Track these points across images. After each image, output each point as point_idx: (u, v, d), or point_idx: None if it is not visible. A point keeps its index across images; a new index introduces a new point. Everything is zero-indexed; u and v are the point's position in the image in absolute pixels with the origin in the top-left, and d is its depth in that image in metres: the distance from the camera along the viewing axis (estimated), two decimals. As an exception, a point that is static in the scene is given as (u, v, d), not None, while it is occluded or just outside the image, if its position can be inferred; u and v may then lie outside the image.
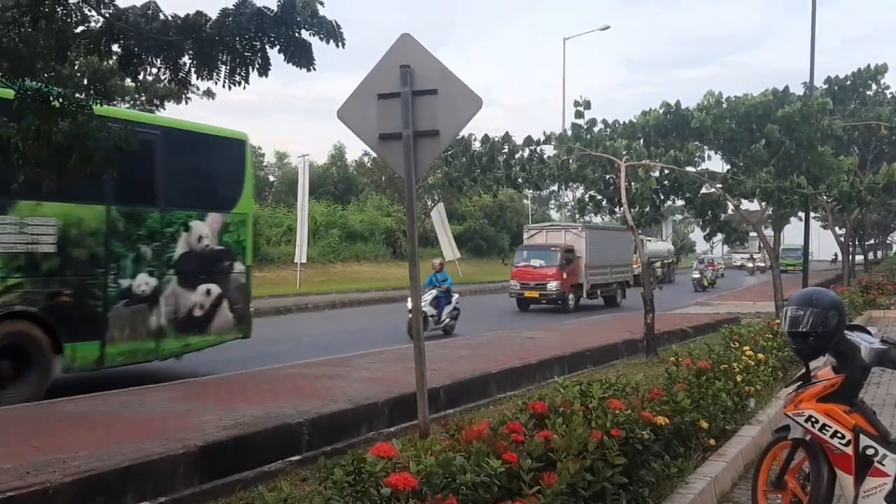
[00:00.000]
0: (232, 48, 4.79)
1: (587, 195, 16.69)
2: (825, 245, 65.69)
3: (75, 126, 4.80)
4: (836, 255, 77.16)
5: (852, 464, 4.21)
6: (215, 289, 11.62)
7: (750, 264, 55.56)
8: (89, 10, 4.84)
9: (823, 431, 4.26)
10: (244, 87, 5.05)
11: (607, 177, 15.55)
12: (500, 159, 14.39)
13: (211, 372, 11.12)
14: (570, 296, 25.71)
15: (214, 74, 4.89)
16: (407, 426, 7.84)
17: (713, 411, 6.42)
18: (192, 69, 4.95)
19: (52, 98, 4.79)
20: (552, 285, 24.96)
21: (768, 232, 22.53)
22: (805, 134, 14.91)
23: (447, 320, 17.87)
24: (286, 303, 24.72)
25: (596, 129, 15.14)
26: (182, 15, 4.76)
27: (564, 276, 25.19)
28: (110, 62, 6.14)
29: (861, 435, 4.21)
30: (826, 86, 21.57)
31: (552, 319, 21.68)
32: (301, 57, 4.87)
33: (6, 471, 5.58)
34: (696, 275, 37.24)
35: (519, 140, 14.64)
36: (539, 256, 25.90)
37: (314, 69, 4.96)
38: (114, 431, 6.92)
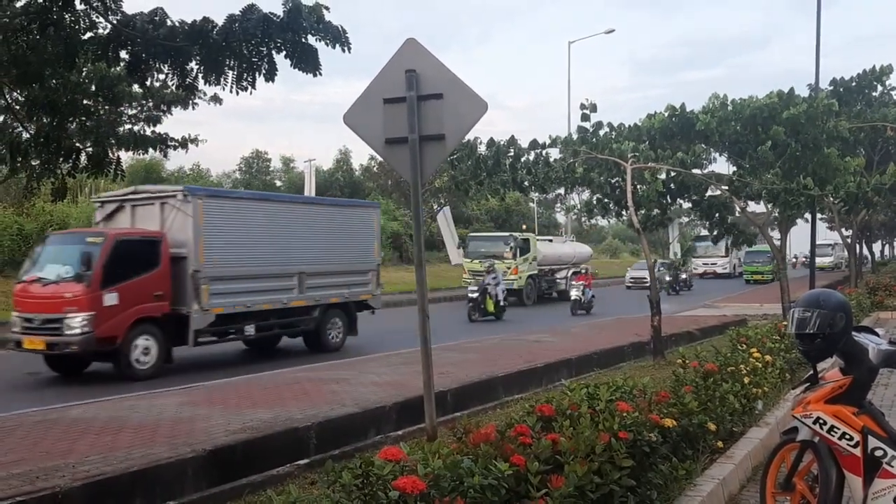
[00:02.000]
0: (239, 54, 4.81)
1: (594, 198, 16.68)
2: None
3: (83, 130, 4.83)
4: (795, 257, 72.86)
5: (861, 465, 4.20)
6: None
7: (668, 277, 36.25)
8: (97, 17, 4.87)
9: (832, 433, 4.25)
10: (251, 93, 5.08)
11: (613, 180, 15.54)
12: (506, 162, 14.41)
13: (219, 376, 11.14)
14: (144, 342, 12.29)
15: (222, 80, 4.92)
16: (414, 429, 7.84)
17: (721, 413, 6.41)
18: (200, 75, 4.97)
19: (60, 104, 4.83)
20: (75, 323, 11.70)
21: (775, 234, 22.51)
22: (811, 135, 14.88)
23: None
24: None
25: (601, 132, 15.13)
26: (189, 21, 4.78)
27: (113, 301, 12.01)
28: (118, 68, 6.18)
29: (869, 436, 4.20)
30: (831, 87, 21.49)
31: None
32: (307, 62, 4.89)
33: (16, 475, 5.61)
34: (575, 293, 25.52)
35: (524, 143, 14.67)
36: (59, 258, 12.67)
37: (320, 74, 4.99)
38: (123, 436, 6.95)
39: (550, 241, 35.83)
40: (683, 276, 38.35)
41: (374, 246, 17.29)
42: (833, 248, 61.24)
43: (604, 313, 23.93)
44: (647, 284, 34.94)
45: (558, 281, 33.14)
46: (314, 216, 15.99)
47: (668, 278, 35.34)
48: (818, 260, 59.79)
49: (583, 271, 27.87)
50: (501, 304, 23.02)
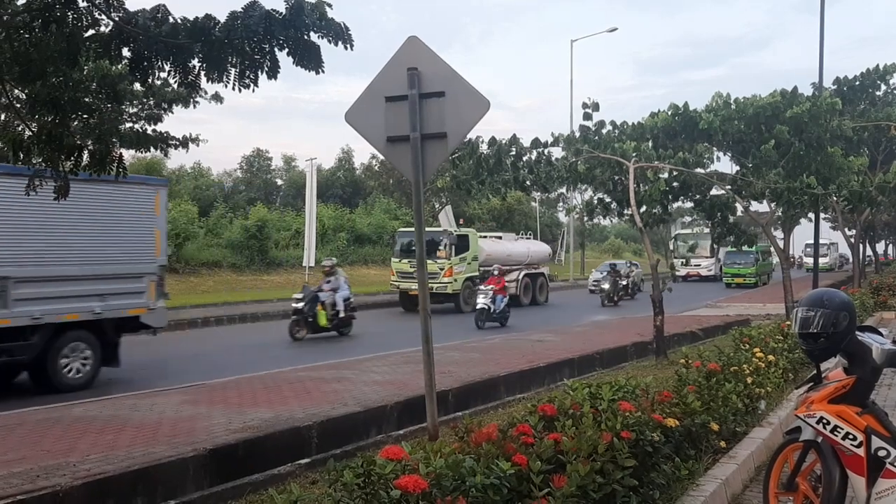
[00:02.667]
0: (241, 51, 4.80)
1: (596, 197, 16.65)
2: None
3: (86, 128, 4.83)
4: (798, 257, 65.80)
5: (864, 465, 4.18)
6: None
7: (606, 285, 29.46)
8: (99, 14, 4.86)
9: (835, 433, 4.24)
10: (253, 90, 5.07)
11: (616, 178, 15.50)
12: (508, 161, 14.37)
13: (220, 375, 11.13)
14: None
15: (224, 77, 4.91)
16: (416, 429, 7.84)
17: (724, 413, 6.40)
18: (202, 72, 4.97)
19: (62, 101, 4.83)
20: None
21: (778, 233, 22.47)
22: (814, 134, 14.85)
23: None
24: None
25: (604, 131, 15.09)
26: (191, 18, 4.77)
27: None
28: (120, 66, 6.18)
29: (873, 436, 4.18)
30: (835, 86, 21.45)
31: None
32: (309, 59, 4.88)
33: (17, 474, 5.60)
34: (482, 300, 20.71)
35: (526, 142, 14.63)
36: None
37: (322, 71, 4.97)
38: (124, 435, 6.95)
39: (499, 237, 31.28)
40: (624, 282, 30.66)
41: (153, 240, 12.03)
42: (829, 248, 58.26)
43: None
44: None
45: (507, 284, 26.90)
46: (30, 195, 8.98)
47: (605, 286, 29.14)
48: (811, 261, 55.55)
49: (495, 273, 21.97)
50: (342, 314, 17.85)
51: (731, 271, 41.27)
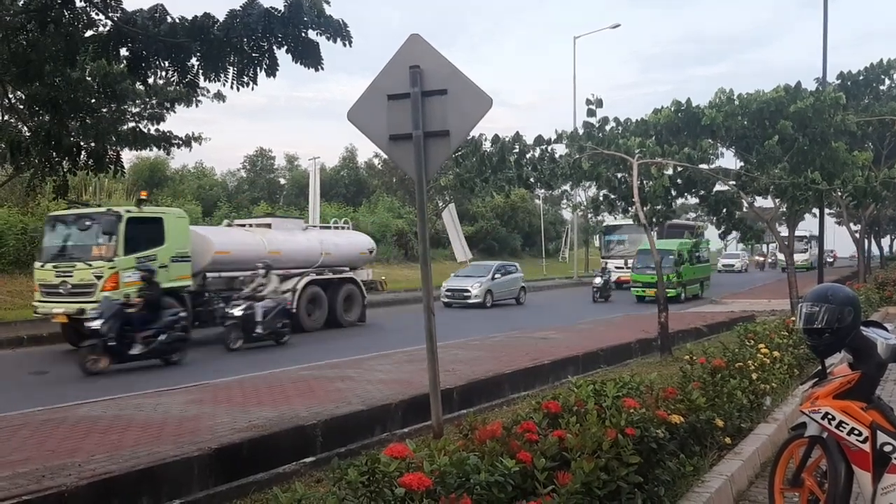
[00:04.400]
0: (239, 49, 4.80)
1: (600, 194, 16.62)
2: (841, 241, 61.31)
3: (84, 128, 4.83)
4: (762, 254, 61.51)
5: (870, 461, 4.16)
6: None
7: (236, 310, 15.64)
8: (97, 15, 4.86)
9: (840, 428, 4.21)
10: (252, 89, 5.06)
11: (620, 175, 15.47)
12: (511, 159, 14.33)
13: (223, 375, 11.13)
14: None
15: (222, 76, 4.90)
16: (420, 427, 7.83)
17: (728, 409, 6.38)
18: (200, 71, 4.95)
19: (61, 101, 4.82)
20: None
21: (783, 229, 22.42)
22: (818, 129, 14.80)
23: None
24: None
25: (608, 128, 15.05)
26: (190, 17, 4.76)
27: None
28: (120, 66, 6.17)
29: (878, 431, 4.16)
30: (839, 81, 21.38)
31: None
32: (309, 57, 4.87)
33: (22, 474, 5.61)
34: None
35: (530, 139, 14.59)
36: None
37: (322, 69, 4.96)
38: (128, 434, 6.95)
39: (268, 225, 20.40)
40: (268, 306, 16.27)
41: None
42: (808, 243, 50.06)
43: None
44: (469, 299, 26.03)
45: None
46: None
47: (236, 313, 15.80)
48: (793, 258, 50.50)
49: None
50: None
51: (643, 278, 28.49)
